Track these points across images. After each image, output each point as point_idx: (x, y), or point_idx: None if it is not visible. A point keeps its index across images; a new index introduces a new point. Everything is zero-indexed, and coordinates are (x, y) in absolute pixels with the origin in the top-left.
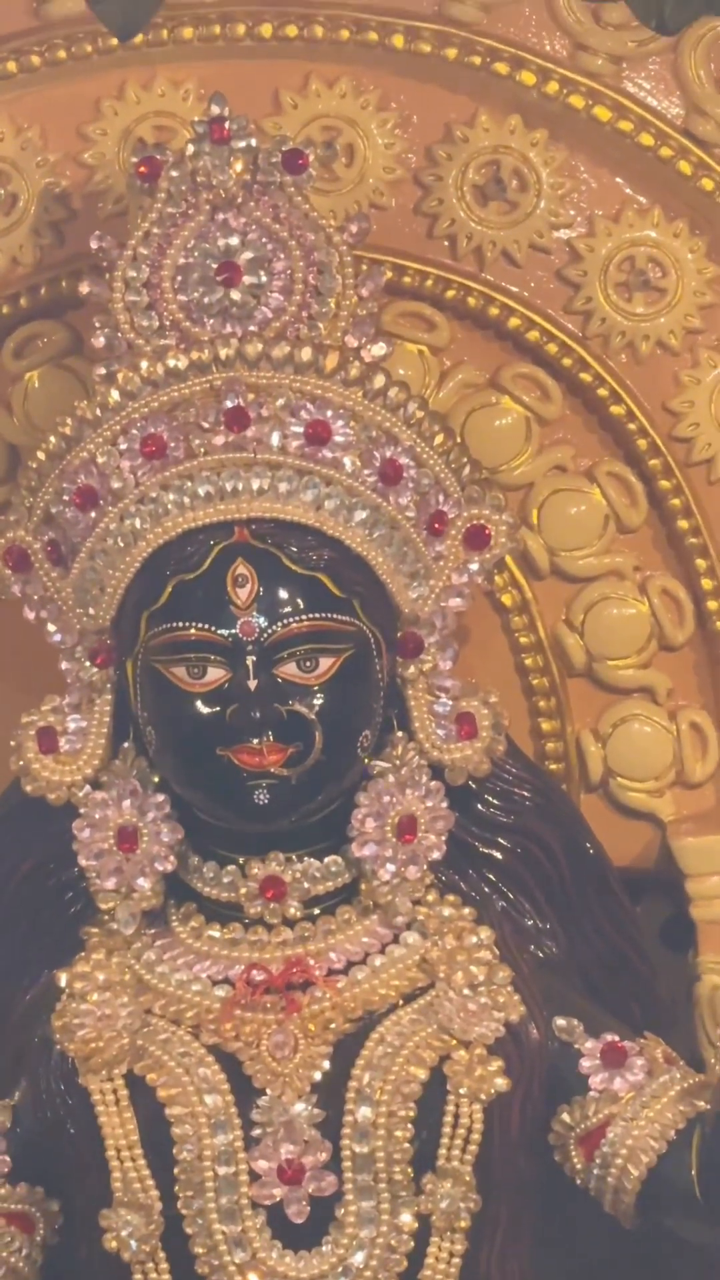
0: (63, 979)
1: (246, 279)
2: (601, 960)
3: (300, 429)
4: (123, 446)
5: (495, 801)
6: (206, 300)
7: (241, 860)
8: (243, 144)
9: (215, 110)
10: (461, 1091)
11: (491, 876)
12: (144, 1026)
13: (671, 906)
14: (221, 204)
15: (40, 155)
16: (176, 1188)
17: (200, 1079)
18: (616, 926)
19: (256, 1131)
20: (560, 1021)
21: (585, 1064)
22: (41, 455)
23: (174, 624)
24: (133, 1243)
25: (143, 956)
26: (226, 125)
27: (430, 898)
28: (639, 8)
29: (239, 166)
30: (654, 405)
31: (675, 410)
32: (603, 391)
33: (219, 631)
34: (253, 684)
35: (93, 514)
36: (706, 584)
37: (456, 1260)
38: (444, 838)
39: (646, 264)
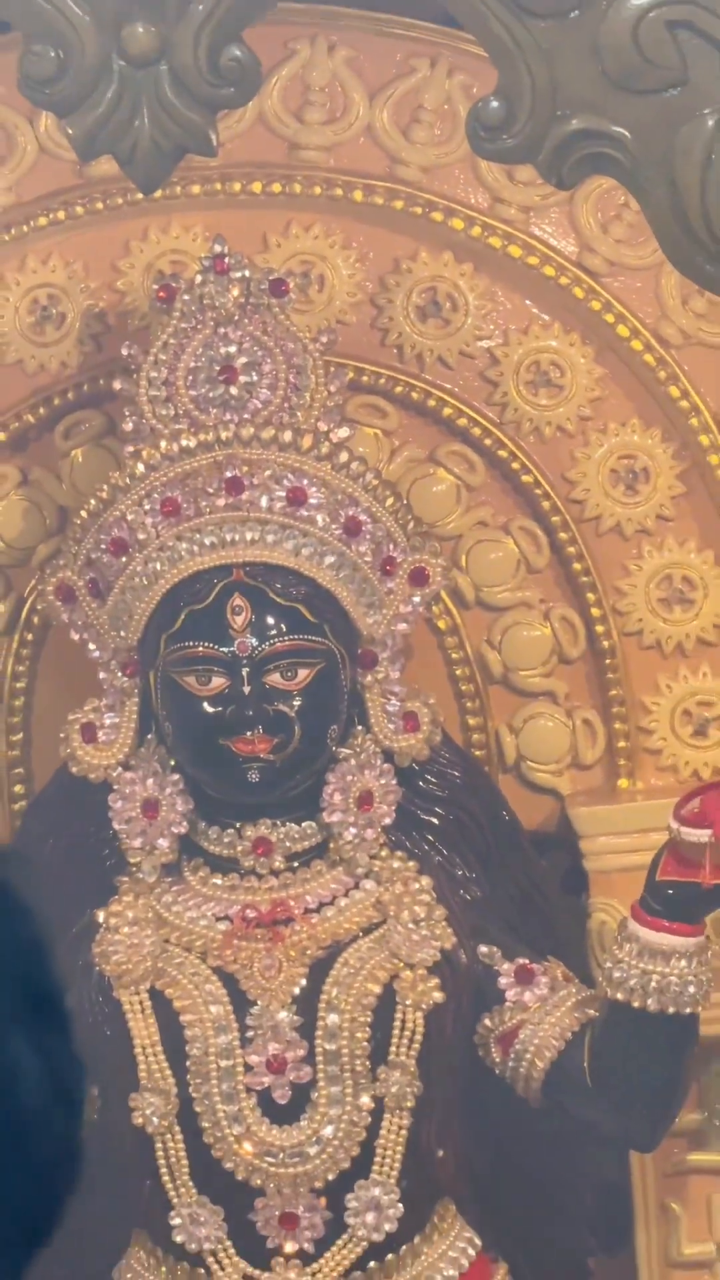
0: (101, 916)
1: (241, 378)
2: (515, 902)
3: (283, 493)
4: (146, 507)
5: (433, 779)
6: (211, 394)
7: (238, 824)
8: (239, 274)
9: (217, 249)
10: (407, 1002)
11: (430, 837)
12: (163, 953)
13: (569, 860)
14: (222, 320)
15: (83, 283)
16: (188, 1076)
17: (207, 993)
18: (527, 876)
19: (250, 1033)
20: (483, 948)
21: (502, 981)
22: (84, 514)
23: (186, 643)
24: (154, 1119)
25: (162, 899)
26: (226, 260)
27: (383, 854)
28: (543, 169)
29: (235, 292)
30: (555, 476)
31: (571, 479)
32: (515, 465)
33: (220, 649)
34: (247, 690)
35: (123, 559)
36: (595, 612)
37: (404, 1132)
38: (393, 807)
39: (549, 367)
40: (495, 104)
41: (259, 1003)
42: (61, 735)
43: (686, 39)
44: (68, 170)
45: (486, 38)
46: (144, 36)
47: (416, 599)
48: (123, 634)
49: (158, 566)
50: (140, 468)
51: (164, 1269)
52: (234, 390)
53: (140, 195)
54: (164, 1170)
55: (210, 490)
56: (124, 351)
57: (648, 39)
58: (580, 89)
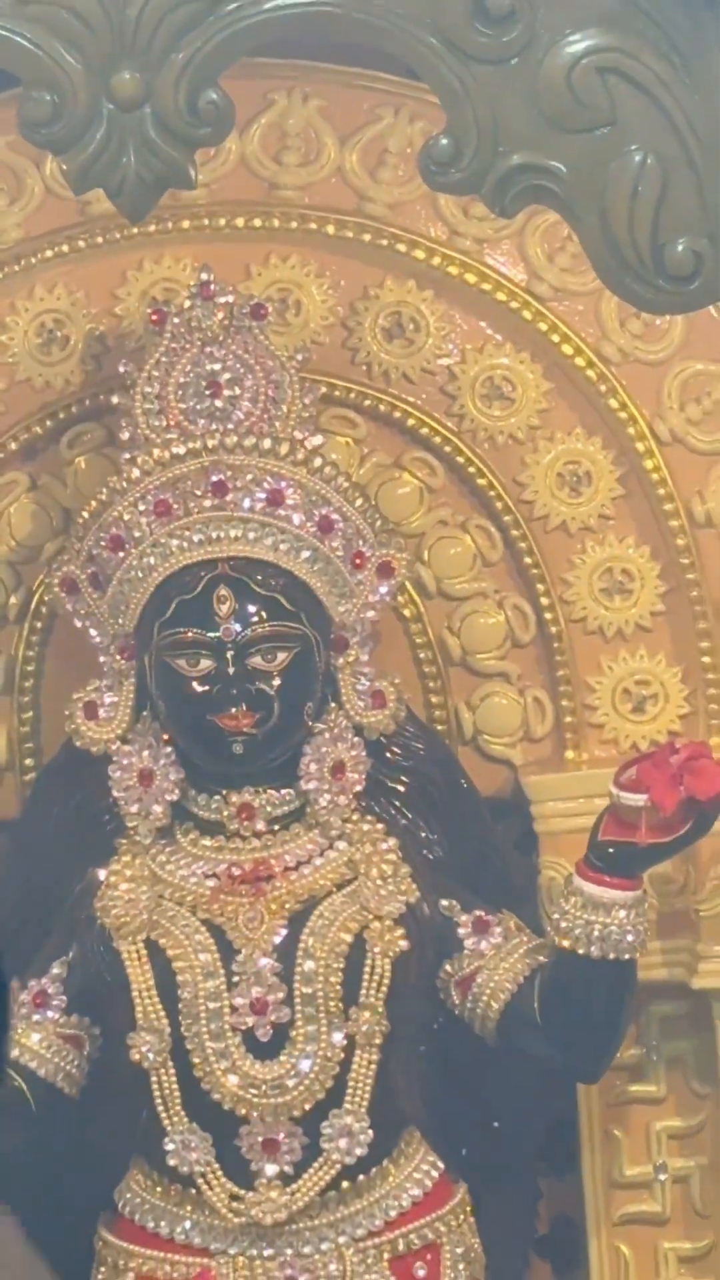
0: (102, 874)
1: (226, 393)
2: (473, 860)
3: (263, 495)
4: (141, 508)
5: (399, 751)
6: (198, 407)
7: (224, 792)
8: (223, 300)
9: (203, 277)
10: (376, 950)
11: (396, 803)
12: (158, 907)
13: (521, 824)
14: (208, 341)
15: (85, 309)
16: (180, 1017)
17: (196, 943)
18: (483, 837)
19: (235, 978)
20: (444, 902)
21: (461, 931)
22: (86, 514)
23: (177, 630)
24: (150, 1055)
25: (157, 859)
26: (211, 287)
27: (354, 818)
28: (487, 200)
29: (220, 315)
30: (507, 479)
31: (521, 482)
32: (472, 469)
33: (208, 635)
34: (231, 671)
35: (121, 554)
36: (544, 601)
37: (373, 1066)
38: (363, 776)
39: (501, 382)
40: (444, 141)
41: (243, 951)
42: (66, 713)
43: (615, 84)
44: (71, 208)
45: (436, 82)
46: (130, 83)
47: (383, 589)
48: (120, 622)
49: (151, 561)
50: (135, 473)
51: (159, 1189)
52: (219, 403)
53: (135, 230)
54: (158, 1101)
55: (198, 492)
56: (121, 369)
57: (580, 84)
58: (520, 128)
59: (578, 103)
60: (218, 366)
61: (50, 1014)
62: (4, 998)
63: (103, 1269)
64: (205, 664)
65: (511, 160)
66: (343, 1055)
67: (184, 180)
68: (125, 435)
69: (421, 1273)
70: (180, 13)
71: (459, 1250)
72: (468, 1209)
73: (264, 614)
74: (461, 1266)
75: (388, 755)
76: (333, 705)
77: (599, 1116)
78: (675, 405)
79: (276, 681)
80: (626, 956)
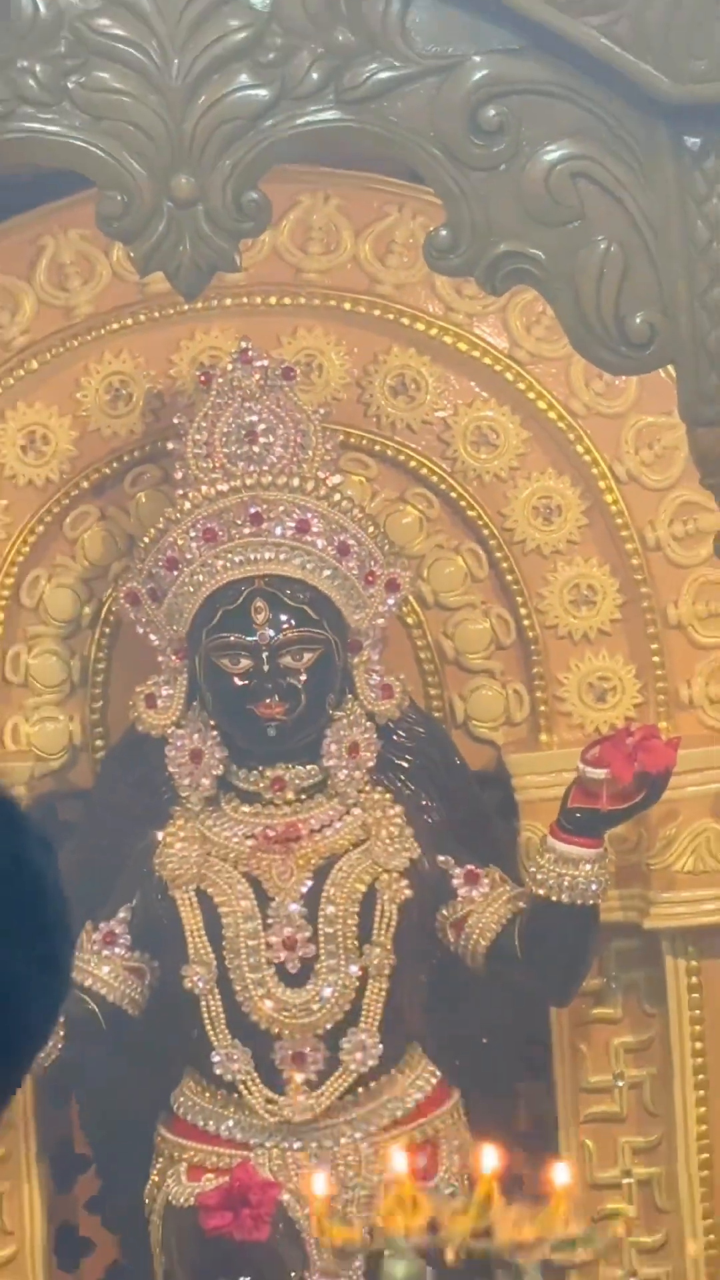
0: (159, 835)
1: (261, 440)
2: (465, 824)
3: (293, 524)
4: (192, 535)
5: (403, 734)
6: (238, 452)
7: (260, 768)
8: (259, 364)
9: (243, 345)
10: (385, 898)
11: (402, 776)
12: (205, 862)
13: (504, 794)
14: (247, 398)
15: (145, 371)
16: (224, 953)
17: (238, 891)
18: (473, 805)
19: (269, 921)
20: (441, 858)
21: (455, 882)
22: (146, 540)
23: (221, 635)
24: (199, 984)
25: (205, 823)
26: (249, 353)
27: (367, 789)
28: (480, 280)
29: (256, 377)
30: (492, 511)
31: (504, 514)
32: (463, 503)
33: (247, 639)
34: (266, 669)
35: (175, 573)
36: (523, 611)
37: (383, 993)
38: (375, 755)
39: (487, 431)
40: (444, 233)
41: (276, 898)
42: (130, 703)
43: (584, 186)
44: (133, 289)
45: (438, 185)
46: (186, 185)
47: (390, 601)
48: (175, 628)
49: (200, 578)
50: (187, 505)
51: (207, 1094)
52: (256, 449)
53: (187, 306)
54: (206, 1022)
55: (239, 522)
56: (175, 421)
57: (556, 186)
58: (507, 222)
59: (554, 202)
60: (255, 419)
61: (118, 950)
62: (68, 937)
63: (160, 1159)
64: (245, 663)
65: (499, 248)
66: (358, 984)
67: (230, 265)
68: (179, 475)
69: (422, 1162)
70: (227, 128)
71: (454, 1143)
72: (461, 1110)
73: (293, 621)
74: (455, 1157)
75: (395, 737)
76: (349, 696)
77: (568, 1034)
78: (631, 450)
79: (303, 677)
80: (591, 902)
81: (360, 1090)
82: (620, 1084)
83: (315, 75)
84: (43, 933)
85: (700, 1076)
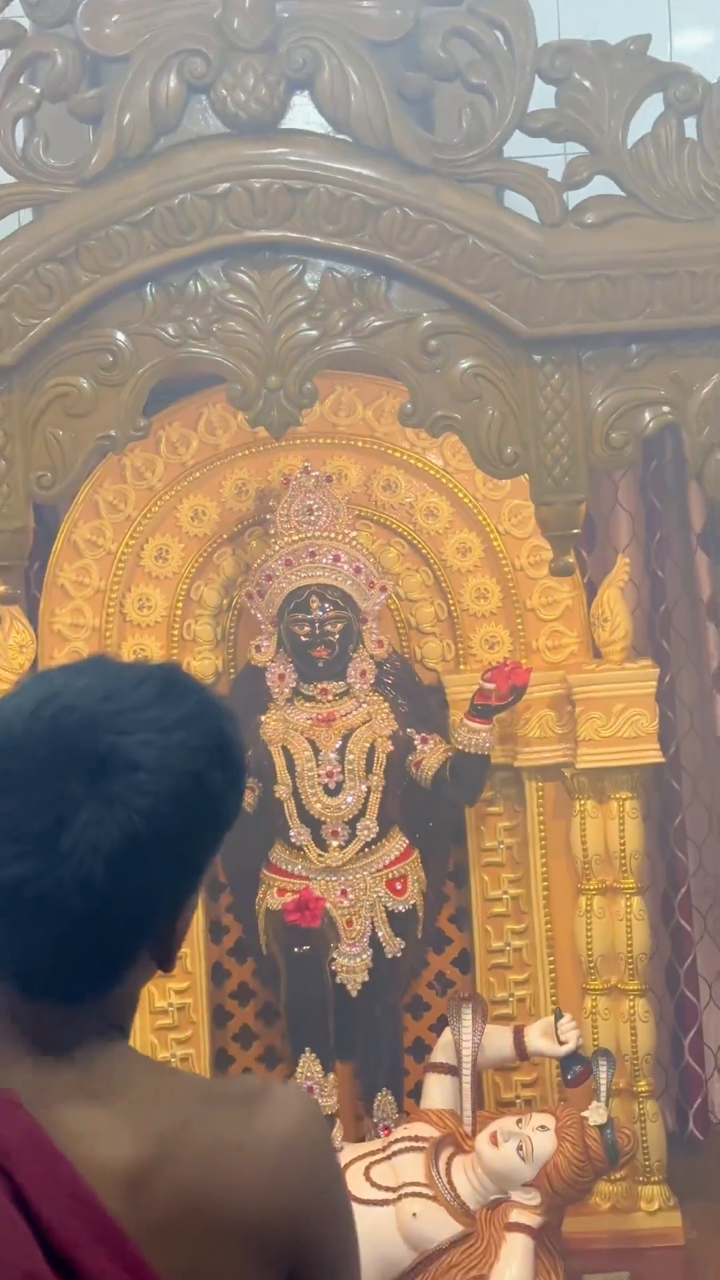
0: (263, 718)
1: (314, 514)
2: (420, 714)
3: (330, 557)
4: (279, 562)
5: (388, 666)
6: (301, 521)
7: (314, 682)
8: (314, 474)
9: (305, 465)
10: (379, 750)
11: (388, 688)
12: (286, 731)
13: (441, 698)
14: (307, 492)
15: (255, 477)
16: (295, 779)
17: (303, 746)
18: (424, 702)
19: (319, 761)
20: (408, 730)
21: (416, 742)
22: (255, 565)
23: (295, 614)
24: (283, 789)
25: (285, 711)
26: (308, 469)
27: (370, 695)
28: (426, 430)
29: (312, 481)
30: (434, 551)
31: (441, 552)
32: (420, 546)
33: (308, 617)
34: (317, 632)
35: (270, 582)
36: (451, 602)
37: (377, 796)
38: (373, 676)
39: (432, 508)
40: (409, 405)
41: (322, 751)
42: (248, 651)
43: (481, 381)
44: (248, 434)
45: (405, 380)
46: (274, 380)
47: (382, 597)
48: (270, 611)
49: (283, 585)
50: (276, 547)
51: (288, 852)
52: (311, 518)
53: (275, 442)
54: (287, 814)
55: (303, 557)
56: (270, 504)
57: (466, 381)
58: (440, 400)
59: (465, 390)
60: (311, 502)
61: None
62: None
63: (263, 886)
64: (306, 629)
65: (437, 413)
66: (365, 794)
67: (296, 423)
68: (271, 532)
69: (399, 886)
70: (295, 351)
71: (416, 877)
72: (419, 861)
73: (330, 608)
74: (415, 885)
75: (383, 668)
76: (360, 646)
77: (473, 817)
78: (506, 517)
79: (336, 636)
80: (485, 752)
81: (366, 850)
82: (505, 895)
83: (341, 324)
84: (239, 766)
85: (544, 869)
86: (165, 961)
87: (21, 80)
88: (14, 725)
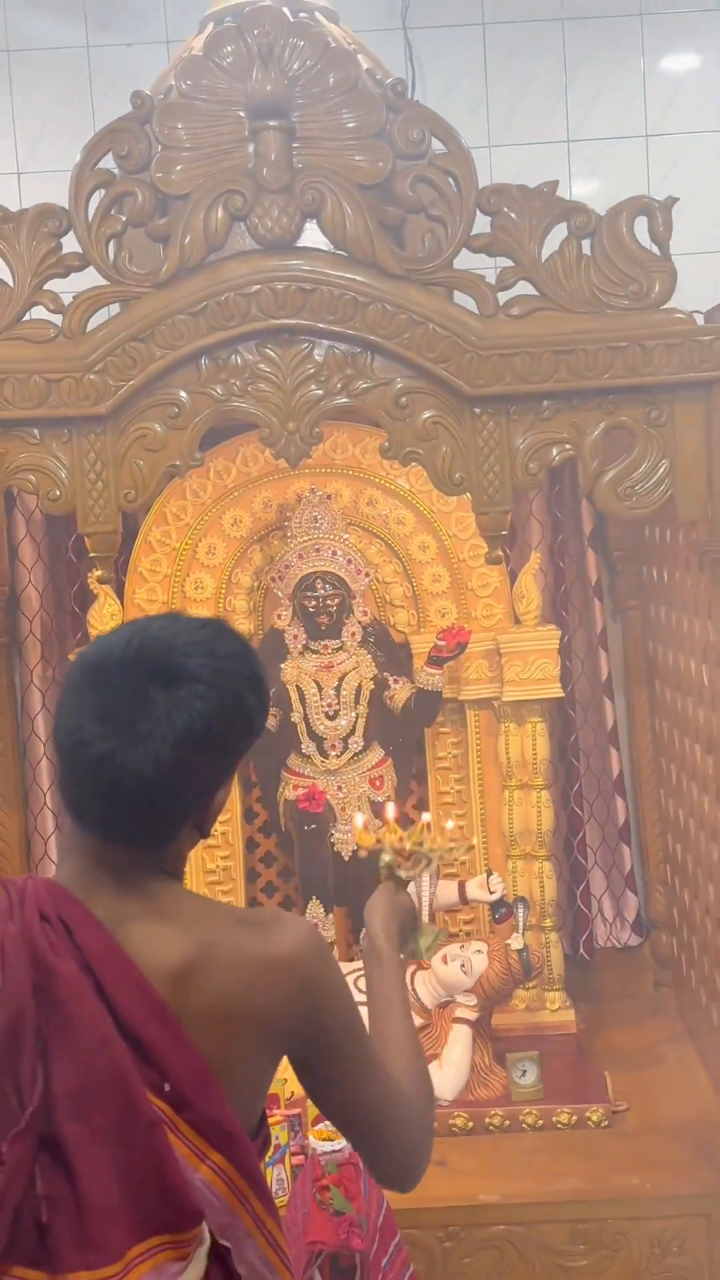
0: (283, 665)
1: (318, 522)
2: (393, 661)
3: (331, 552)
4: (293, 557)
5: (370, 629)
6: (309, 527)
7: (319, 640)
8: (319, 495)
9: (312, 488)
10: (364, 688)
11: (371, 645)
12: (300, 673)
13: (408, 652)
14: (314, 507)
15: (278, 496)
16: (305, 708)
17: (311, 685)
18: (396, 654)
19: (322, 695)
20: (385, 674)
21: (390, 682)
22: (275, 559)
23: (305, 592)
24: (298, 719)
25: (298, 661)
26: (314, 490)
27: (360, 650)
28: (399, 461)
29: (316, 499)
30: (403, 548)
31: (408, 548)
32: (393, 545)
33: (314, 594)
34: (321, 604)
35: (287, 569)
36: (414, 585)
37: (364, 722)
38: (360, 635)
39: (401, 518)
40: (386, 444)
41: (325, 688)
42: (272, 620)
43: (438, 426)
44: (271, 464)
45: (384, 425)
46: (292, 426)
47: (365, 580)
48: (287, 590)
49: (296, 573)
50: (291, 545)
51: (299, 759)
52: (316, 525)
53: (291, 470)
54: (299, 734)
55: (310, 552)
56: (286, 514)
57: (427, 427)
58: (408, 440)
59: (426, 433)
60: (317, 514)
61: None
62: (268, 692)
63: (282, 783)
64: (313, 603)
65: (406, 450)
66: (354, 719)
67: (307, 456)
68: (288, 534)
69: (378, 784)
70: (306, 404)
71: (391, 776)
72: (392, 766)
73: (329, 588)
74: (388, 781)
75: (366, 630)
76: (351, 615)
77: (430, 735)
78: (454, 524)
79: (335, 609)
80: (440, 689)
81: (355, 758)
82: (452, 790)
83: (339, 386)
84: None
85: (479, 772)
86: (203, 826)
87: (112, 211)
88: (114, 648)
